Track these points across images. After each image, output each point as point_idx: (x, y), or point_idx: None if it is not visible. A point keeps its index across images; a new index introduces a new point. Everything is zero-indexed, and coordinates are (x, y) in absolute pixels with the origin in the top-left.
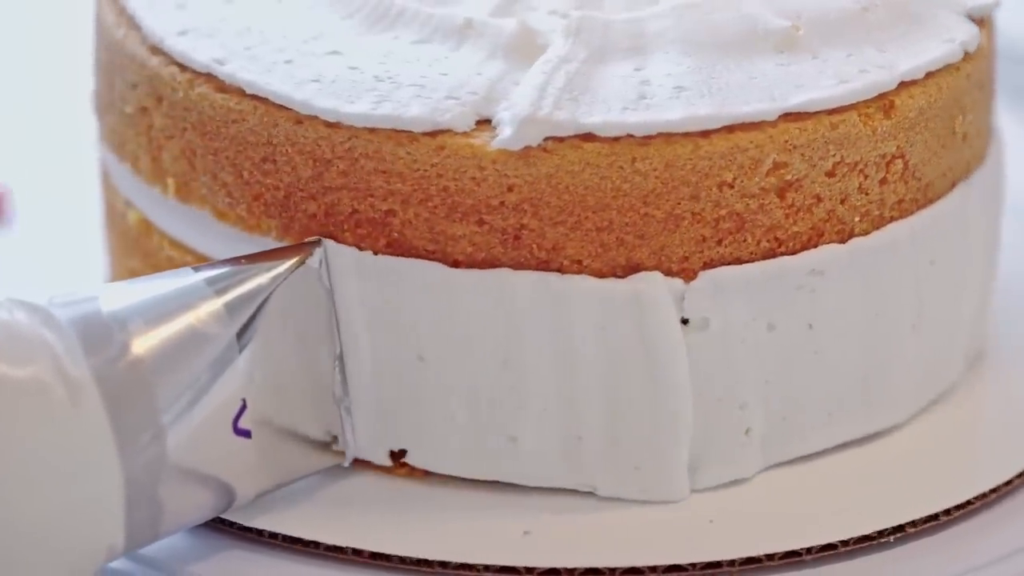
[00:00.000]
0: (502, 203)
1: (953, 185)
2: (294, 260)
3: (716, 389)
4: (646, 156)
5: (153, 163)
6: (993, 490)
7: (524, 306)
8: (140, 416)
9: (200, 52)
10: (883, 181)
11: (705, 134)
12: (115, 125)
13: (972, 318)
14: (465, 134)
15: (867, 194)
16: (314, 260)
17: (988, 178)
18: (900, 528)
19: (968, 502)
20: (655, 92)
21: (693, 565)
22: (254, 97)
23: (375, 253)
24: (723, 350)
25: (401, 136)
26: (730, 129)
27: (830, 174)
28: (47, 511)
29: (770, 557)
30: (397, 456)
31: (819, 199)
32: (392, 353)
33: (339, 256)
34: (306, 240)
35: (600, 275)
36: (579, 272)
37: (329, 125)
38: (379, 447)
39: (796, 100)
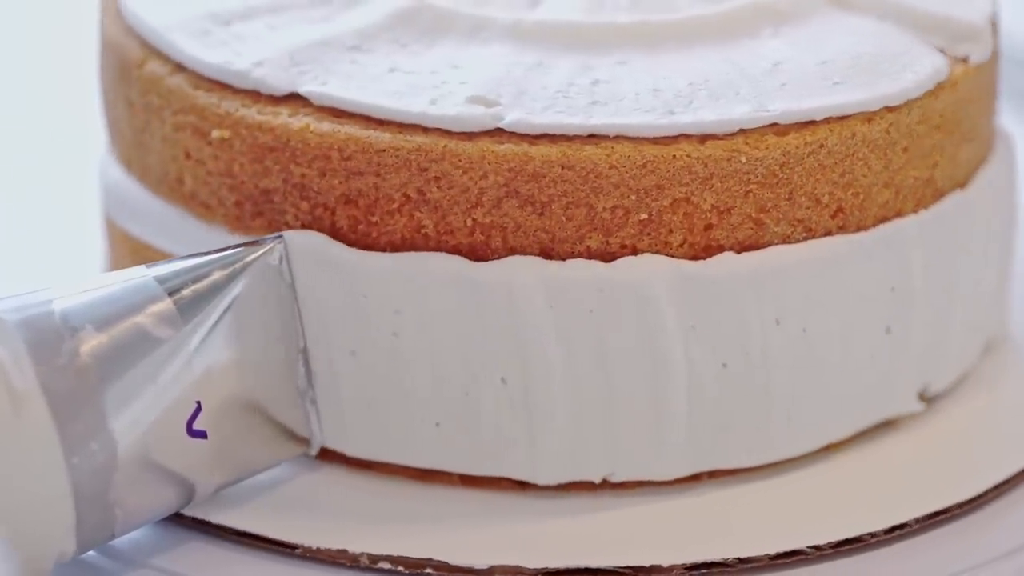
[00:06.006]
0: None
1: None
2: (251, 257)
3: None
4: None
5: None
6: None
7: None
8: (88, 424)
9: (621, 116)
10: None
11: None
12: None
13: None
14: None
15: None
16: (273, 256)
17: None
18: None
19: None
20: None
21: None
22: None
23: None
24: None
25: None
26: None
27: None
28: None
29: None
30: None
31: None
32: (861, 329)
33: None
34: (266, 236)
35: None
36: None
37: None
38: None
39: None
